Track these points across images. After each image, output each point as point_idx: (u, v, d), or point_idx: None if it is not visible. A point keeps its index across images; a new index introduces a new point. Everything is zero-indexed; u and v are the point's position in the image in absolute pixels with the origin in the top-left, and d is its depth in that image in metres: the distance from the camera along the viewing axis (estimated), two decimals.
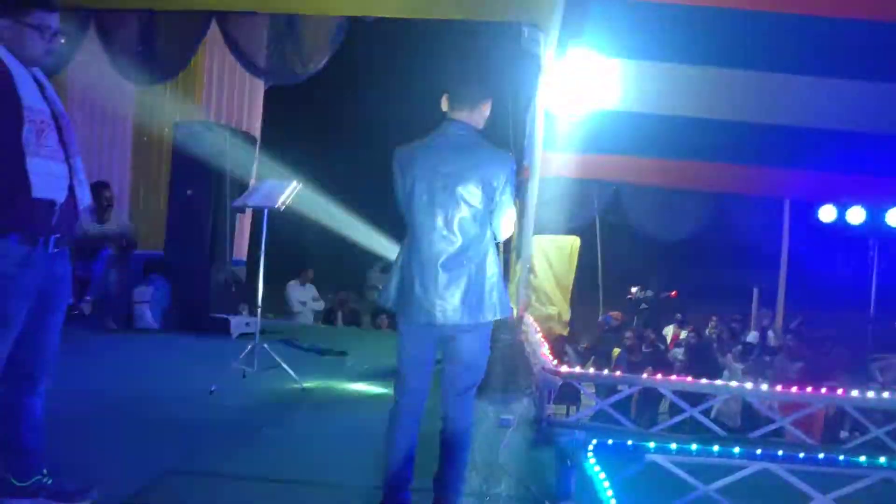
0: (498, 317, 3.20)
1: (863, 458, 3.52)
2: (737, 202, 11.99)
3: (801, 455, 3.45)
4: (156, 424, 4.53)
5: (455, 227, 3.12)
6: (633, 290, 13.72)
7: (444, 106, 3.25)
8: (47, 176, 2.88)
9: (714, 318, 11.31)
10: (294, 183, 5.97)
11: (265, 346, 5.89)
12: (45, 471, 3.11)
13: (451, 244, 3.12)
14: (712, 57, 7.49)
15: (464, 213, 3.12)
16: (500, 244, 3.41)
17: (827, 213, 11.94)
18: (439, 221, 3.13)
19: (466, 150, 3.17)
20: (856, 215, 11.74)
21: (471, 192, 3.11)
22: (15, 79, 2.84)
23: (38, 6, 2.90)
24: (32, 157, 2.84)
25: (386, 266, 24.47)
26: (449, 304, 3.10)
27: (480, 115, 3.25)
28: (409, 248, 3.23)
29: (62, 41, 3.03)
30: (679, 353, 10.46)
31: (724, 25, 6.89)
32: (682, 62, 7.66)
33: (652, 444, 3.52)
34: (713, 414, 8.50)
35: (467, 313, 3.11)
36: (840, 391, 5.92)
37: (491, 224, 3.21)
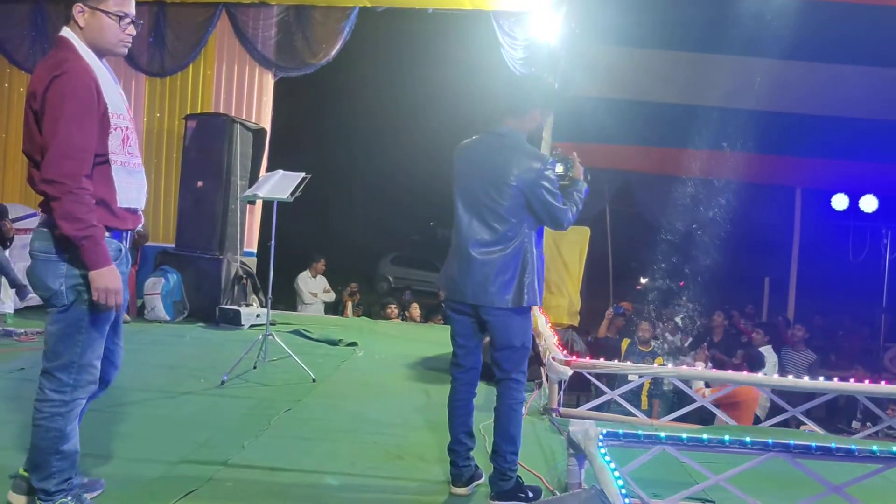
0: (524, 305, 3.40)
1: (875, 447, 3.50)
2: (748, 191, 11.92)
3: (813, 445, 3.44)
4: (168, 415, 4.57)
5: (489, 220, 3.40)
6: (643, 280, 13.67)
7: (501, 109, 3.54)
8: (128, 185, 2.86)
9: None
10: (304, 174, 5.97)
11: (276, 336, 5.92)
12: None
13: (485, 234, 3.41)
14: (723, 45, 7.45)
15: (497, 207, 3.38)
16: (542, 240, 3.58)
17: (839, 202, 11.86)
18: (475, 213, 3.44)
19: (505, 150, 3.42)
20: (868, 204, 11.66)
21: (502, 189, 3.37)
22: (101, 83, 2.75)
23: None
24: (118, 166, 2.81)
25: (396, 257, 24.65)
26: (479, 286, 3.39)
27: (530, 121, 3.53)
28: (454, 236, 3.56)
29: (136, 30, 2.91)
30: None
31: (735, 13, 6.84)
32: (691, 50, 7.62)
33: (663, 434, 3.51)
34: None
35: (494, 296, 3.37)
36: (852, 380, 5.90)
37: (538, 219, 3.44)
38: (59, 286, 2.75)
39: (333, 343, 7.35)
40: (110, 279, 2.73)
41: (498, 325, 3.43)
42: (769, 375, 7.08)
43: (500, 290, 3.36)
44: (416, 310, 10.96)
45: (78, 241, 2.66)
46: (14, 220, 7.42)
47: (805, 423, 5.88)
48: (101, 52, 2.83)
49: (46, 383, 2.81)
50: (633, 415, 5.78)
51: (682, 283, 13.28)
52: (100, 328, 2.86)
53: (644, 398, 8.19)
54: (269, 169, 8.59)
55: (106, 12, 2.77)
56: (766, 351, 9.32)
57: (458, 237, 3.49)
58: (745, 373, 6.51)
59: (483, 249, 3.39)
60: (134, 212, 2.93)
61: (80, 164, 2.65)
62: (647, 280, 13.68)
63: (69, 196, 2.62)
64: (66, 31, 2.79)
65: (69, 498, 2.85)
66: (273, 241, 5.98)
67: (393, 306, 10.93)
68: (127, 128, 2.85)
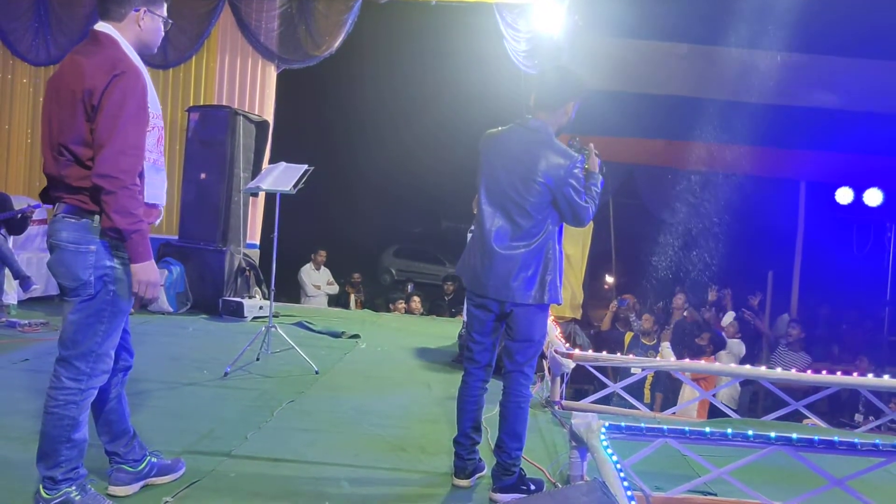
0: (545, 302, 3.40)
1: (878, 441, 3.50)
2: (752, 184, 11.89)
3: (816, 438, 3.43)
4: (171, 406, 4.58)
5: (514, 214, 3.37)
6: (610, 279, 13.63)
7: (532, 102, 3.48)
8: (155, 182, 2.97)
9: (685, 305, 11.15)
10: (307, 166, 5.97)
11: (278, 328, 5.92)
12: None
13: (509, 229, 3.39)
14: (727, 38, 7.42)
15: (523, 202, 3.35)
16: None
17: (843, 195, 11.81)
18: (500, 207, 3.41)
19: (534, 145, 3.38)
20: (873, 197, 11.62)
21: (529, 185, 3.33)
22: (147, 84, 2.84)
23: None
24: (150, 164, 2.91)
25: (399, 249, 24.64)
26: (501, 281, 3.37)
27: (563, 115, 3.46)
28: (476, 226, 3.54)
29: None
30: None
31: (739, 5, 6.83)
32: (695, 43, 7.60)
33: (665, 427, 3.51)
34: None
35: (516, 291, 3.35)
36: (854, 374, 5.90)
37: (562, 216, 3.42)
38: (89, 276, 2.82)
39: (336, 335, 7.35)
40: (152, 272, 2.85)
41: (520, 319, 3.43)
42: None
43: (522, 287, 3.34)
44: (417, 302, 10.95)
45: (128, 234, 2.75)
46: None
47: (808, 417, 5.88)
48: (142, 51, 2.94)
49: (63, 371, 2.86)
50: (636, 408, 5.79)
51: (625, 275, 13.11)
52: (120, 318, 2.93)
53: (647, 391, 8.20)
54: (271, 161, 8.58)
55: (162, 17, 2.96)
56: (736, 345, 9.35)
57: (481, 229, 3.45)
58: (747, 366, 6.51)
59: (506, 244, 3.37)
60: (155, 206, 3.02)
61: (136, 160, 2.77)
62: (613, 280, 13.66)
63: (125, 191, 2.72)
64: (107, 28, 2.86)
65: (74, 487, 2.87)
66: (276, 234, 5.98)
67: (400, 303, 10.90)
68: (161, 127, 2.98)
